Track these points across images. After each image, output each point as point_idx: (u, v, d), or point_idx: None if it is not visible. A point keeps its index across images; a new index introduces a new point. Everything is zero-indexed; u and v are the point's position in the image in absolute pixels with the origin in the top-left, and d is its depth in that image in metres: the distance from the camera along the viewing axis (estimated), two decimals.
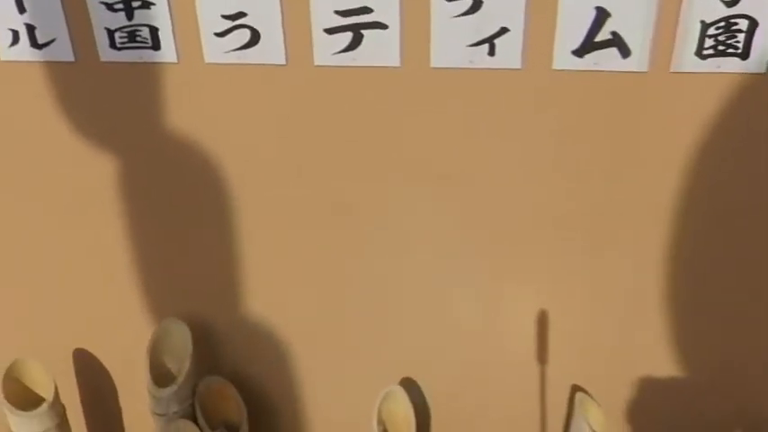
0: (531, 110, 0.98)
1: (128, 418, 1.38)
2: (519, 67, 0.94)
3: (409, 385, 1.20)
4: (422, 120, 1.00)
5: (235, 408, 1.21)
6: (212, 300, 1.20)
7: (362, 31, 0.96)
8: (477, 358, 1.18)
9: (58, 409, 1.21)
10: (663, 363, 1.12)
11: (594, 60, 0.93)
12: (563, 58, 0.94)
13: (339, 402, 1.26)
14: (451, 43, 0.95)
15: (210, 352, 1.23)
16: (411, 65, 0.97)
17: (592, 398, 1.12)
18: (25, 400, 1.20)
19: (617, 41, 0.91)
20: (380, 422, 1.13)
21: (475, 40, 0.94)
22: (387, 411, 1.14)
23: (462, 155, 1.02)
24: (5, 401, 1.16)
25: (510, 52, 0.94)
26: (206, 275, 1.18)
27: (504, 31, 0.93)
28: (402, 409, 1.12)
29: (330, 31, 0.96)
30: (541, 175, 1.01)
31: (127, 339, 1.25)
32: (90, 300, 1.24)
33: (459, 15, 0.92)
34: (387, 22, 0.95)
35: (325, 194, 1.09)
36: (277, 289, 1.18)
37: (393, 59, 0.97)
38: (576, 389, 1.16)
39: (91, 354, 1.31)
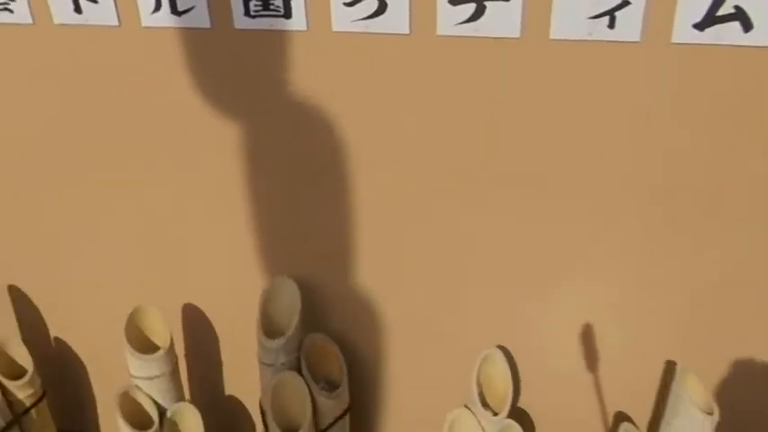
0: (648, 84, 1.00)
1: (227, 372, 1.46)
2: (638, 40, 0.97)
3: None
4: (540, 91, 1.04)
5: (336, 365, 1.27)
6: (322, 263, 1.26)
7: (485, 3, 1.00)
8: (569, 331, 1.21)
9: (172, 357, 1.29)
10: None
11: (715, 34, 0.95)
12: (683, 32, 0.96)
13: (435, 366, 1.31)
14: (572, 15, 0.98)
15: (316, 311, 1.29)
16: (530, 36, 1.00)
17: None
18: (144, 345, 1.29)
19: (739, 15, 0.93)
20: (478, 384, 1.17)
21: (595, 12, 0.97)
22: (485, 375, 1.18)
23: (577, 129, 1.05)
24: (128, 344, 1.25)
25: (630, 25, 0.97)
26: (319, 240, 1.24)
27: (625, 3, 0.96)
28: (500, 372, 1.16)
29: (454, 2, 1.01)
30: (656, 151, 1.04)
31: (237, 296, 1.32)
32: (204, 256, 1.33)
33: None
34: None
35: (441, 168, 1.13)
36: (384, 259, 1.23)
37: (513, 31, 1.01)
38: (670, 364, 1.17)
39: (199, 309, 1.40)
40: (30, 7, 1.17)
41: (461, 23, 1.02)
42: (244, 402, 1.50)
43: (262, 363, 1.23)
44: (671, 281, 1.12)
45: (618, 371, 1.21)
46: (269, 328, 1.23)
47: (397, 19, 1.04)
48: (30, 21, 1.18)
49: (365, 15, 1.05)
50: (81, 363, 1.57)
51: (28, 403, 1.42)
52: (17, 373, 1.41)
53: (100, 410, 1.62)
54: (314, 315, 1.29)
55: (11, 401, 1.40)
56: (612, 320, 1.18)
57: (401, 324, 1.29)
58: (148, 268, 1.38)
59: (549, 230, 1.14)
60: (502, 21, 1.01)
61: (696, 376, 1.11)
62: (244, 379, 1.41)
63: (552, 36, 1.00)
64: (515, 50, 1.02)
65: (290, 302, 1.25)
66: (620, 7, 0.96)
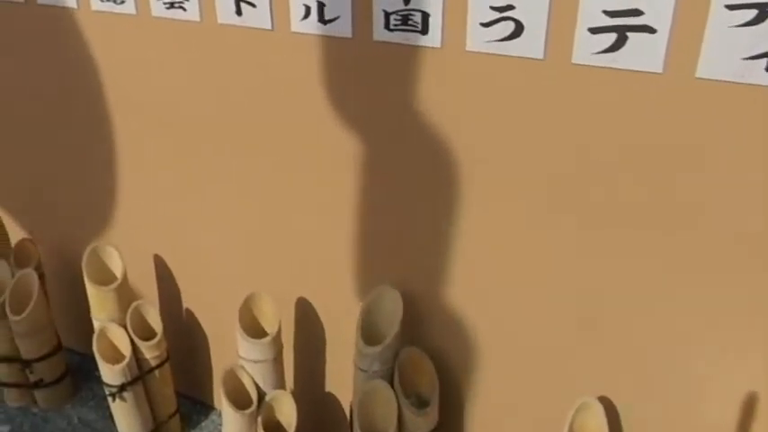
0: None
1: (329, 369, 1.50)
2: None
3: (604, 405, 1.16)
4: (678, 132, 0.96)
5: (429, 381, 1.26)
6: (428, 277, 1.26)
7: (628, 34, 0.94)
8: (687, 394, 1.10)
9: (278, 344, 1.36)
10: None
11: None
12: None
13: (528, 401, 1.25)
14: (725, 54, 0.90)
15: (416, 325, 1.30)
16: (673, 73, 0.93)
17: None
18: (256, 330, 1.36)
19: None
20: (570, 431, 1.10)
21: (753, 53, 0.88)
22: (579, 424, 1.11)
23: (715, 174, 0.96)
24: (239, 326, 1.33)
25: None
26: (427, 254, 1.25)
27: None
28: (596, 425, 1.09)
29: (594, 30, 0.96)
30: None
31: (345, 297, 1.36)
32: (319, 254, 1.38)
33: (739, 25, 0.88)
34: (656, 27, 0.92)
35: (560, 199, 1.09)
36: (489, 283, 1.21)
37: (655, 65, 0.94)
38: None
39: (311, 305, 1.45)
40: (200, 7, 1.29)
41: (599, 53, 0.97)
42: (341, 401, 1.53)
43: (357, 367, 1.25)
44: None
45: None
46: (368, 333, 1.25)
47: (532, 43, 1.02)
48: (198, 19, 1.30)
49: (501, 37, 1.04)
50: (204, 336, 1.69)
51: (153, 363, 1.56)
52: (148, 334, 1.55)
53: (214, 381, 1.74)
54: (413, 328, 1.29)
55: (139, 359, 1.55)
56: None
57: (500, 351, 1.25)
58: (270, 257, 1.46)
59: (684, 273, 1.05)
60: (643, 53, 0.94)
61: None
62: (343, 379, 1.44)
63: (698, 75, 0.92)
64: (654, 86, 0.95)
65: (391, 312, 1.26)
66: None
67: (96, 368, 1.89)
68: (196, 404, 1.79)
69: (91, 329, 1.75)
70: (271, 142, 1.34)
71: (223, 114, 1.38)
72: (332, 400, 1.55)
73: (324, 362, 1.51)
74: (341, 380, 1.50)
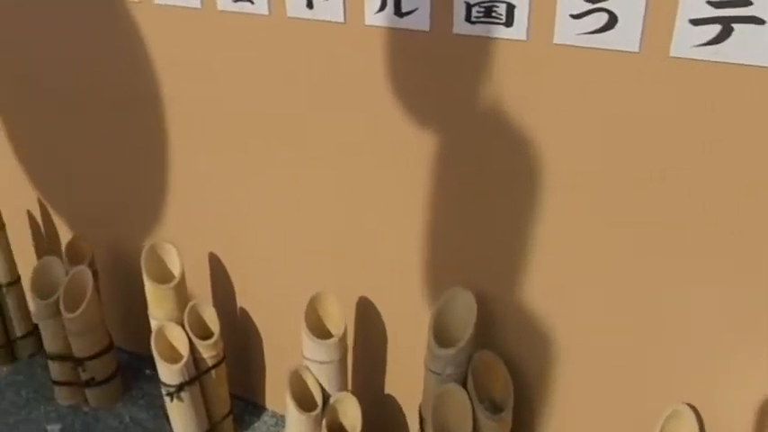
0: None
1: (390, 371, 1.47)
2: None
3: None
4: None
5: (503, 386, 1.23)
6: (500, 277, 1.23)
7: (733, 25, 0.90)
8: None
9: (343, 345, 1.33)
10: None
11: None
12: None
13: (609, 410, 1.21)
14: None
15: (489, 328, 1.26)
16: None
17: None
18: (319, 330, 1.33)
19: None
20: None
21: None
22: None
23: None
24: (305, 327, 1.30)
25: None
26: (499, 253, 1.21)
27: None
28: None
29: (696, 21, 0.92)
30: None
31: (411, 298, 1.33)
32: (386, 254, 1.35)
33: None
34: (765, 18, 0.88)
35: (646, 202, 1.05)
36: (568, 285, 1.17)
37: (763, 57, 0.90)
38: None
39: (373, 304, 1.42)
40: (269, 0, 1.27)
41: (700, 46, 0.93)
42: (401, 403, 1.50)
43: (428, 370, 1.22)
44: None
45: None
46: (440, 335, 1.22)
47: (627, 35, 0.98)
48: (266, 12, 1.28)
49: (592, 29, 1.00)
50: (258, 335, 1.67)
51: (210, 363, 1.54)
52: (205, 333, 1.53)
53: (267, 382, 1.72)
54: (486, 330, 1.25)
55: (196, 359, 1.52)
56: None
57: (578, 355, 1.21)
58: (333, 256, 1.43)
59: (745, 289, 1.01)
60: (750, 47, 0.90)
61: None
62: (405, 381, 1.41)
63: None
64: (761, 80, 0.91)
65: (464, 314, 1.22)
66: None
67: (146, 366, 1.89)
68: (248, 405, 1.77)
69: (140, 327, 1.74)
70: (339, 138, 1.31)
71: (288, 109, 1.35)
72: (391, 402, 1.51)
73: (384, 363, 1.48)
74: (402, 381, 1.47)
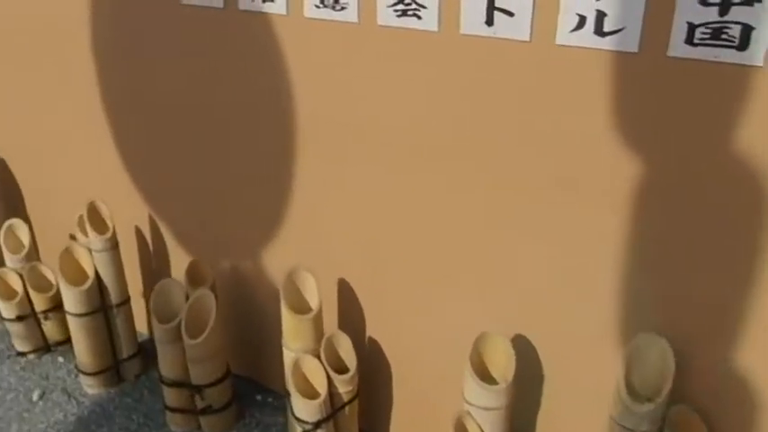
0: None
1: (551, 416, 1.35)
2: None
3: None
4: None
5: None
6: (699, 324, 1.10)
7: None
8: None
9: (512, 391, 1.22)
10: None
11: None
12: None
13: None
14: None
15: (683, 377, 1.14)
16: None
17: None
18: (480, 373, 1.23)
19: None
20: None
21: None
22: None
23: None
24: (472, 371, 1.20)
25: None
26: (700, 293, 1.09)
27: None
28: None
29: None
30: None
31: (580, 340, 1.22)
32: (553, 291, 1.23)
33: None
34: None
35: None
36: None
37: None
38: None
39: (532, 344, 1.31)
40: (438, 16, 1.17)
41: None
42: None
43: (619, 425, 1.10)
44: None
45: None
46: (629, 388, 1.10)
47: None
48: (435, 28, 1.18)
49: None
50: (388, 366, 1.57)
51: (346, 398, 1.44)
52: (340, 366, 1.44)
53: (394, 415, 1.62)
54: (680, 382, 1.13)
55: (331, 393, 1.43)
56: None
57: None
58: (485, 290, 1.32)
59: None
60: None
61: None
62: (567, 426, 1.30)
63: None
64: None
65: (656, 363, 1.11)
66: None
67: (257, 392, 1.82)
68: None
69: (253, 352, 1.66)
70: (508, 166, 1.20)
71: (451, 132, 1.24)
72: None
73: (537, 406, 1.36)
74: (560, 428, 1.35)
